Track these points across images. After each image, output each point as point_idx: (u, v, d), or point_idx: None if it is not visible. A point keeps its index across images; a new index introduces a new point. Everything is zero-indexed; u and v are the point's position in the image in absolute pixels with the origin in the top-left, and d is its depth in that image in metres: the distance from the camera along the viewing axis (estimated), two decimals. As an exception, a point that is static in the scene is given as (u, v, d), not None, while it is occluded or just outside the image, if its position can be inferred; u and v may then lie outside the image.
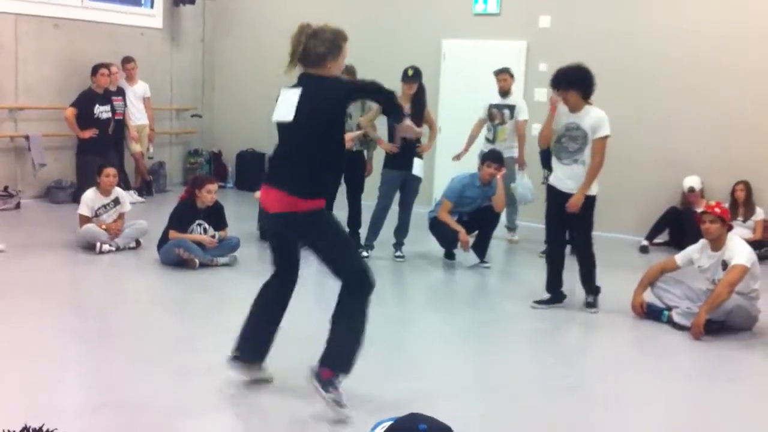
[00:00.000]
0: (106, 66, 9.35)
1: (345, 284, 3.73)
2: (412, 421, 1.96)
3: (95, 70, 9.24)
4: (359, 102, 7.57)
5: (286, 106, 3.70)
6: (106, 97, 8.98)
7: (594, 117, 5.66)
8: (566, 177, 5.76)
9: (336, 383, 3.68)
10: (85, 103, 8.91)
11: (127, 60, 10.07)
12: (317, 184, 3.69)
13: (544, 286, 6.06)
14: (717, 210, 5.54)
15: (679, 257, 5.85)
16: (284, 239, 3.90)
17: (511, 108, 8.29)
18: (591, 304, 5.91)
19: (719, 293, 5.38)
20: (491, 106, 8.36)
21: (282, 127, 3.76)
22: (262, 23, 11.47)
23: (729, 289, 5.37)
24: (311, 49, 3.68)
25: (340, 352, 3.71)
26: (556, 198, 5.85)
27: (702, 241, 5.71)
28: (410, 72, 7.10)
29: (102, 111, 8.15)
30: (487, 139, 8.39)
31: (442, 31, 10.09)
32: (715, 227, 5.53)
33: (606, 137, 5.65)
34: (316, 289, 5.92)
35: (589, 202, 5.74)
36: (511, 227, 8.59)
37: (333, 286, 3.84)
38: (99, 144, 9.02)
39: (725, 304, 5.37)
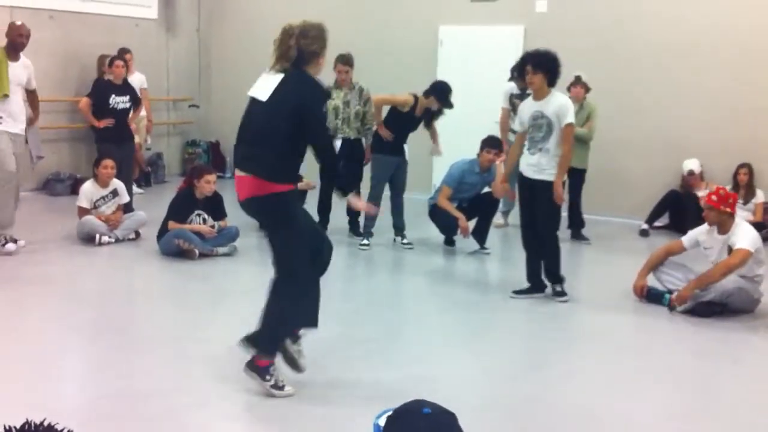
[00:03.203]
0: (120, 57, 8.94)
1: (275, 275, 3.77)
2: (417, 405, 2.00)
3: (111, 61, 8.82)
4: (357, 90, 7.53)
5: (265, 87, 3.76)
6: (123, 88, 8.54)
7: (558, 104, 5.50)
8: (531, 165, 5.64)
9: (271, 370, 3.75)
10: (101, 93, 8.49)
11: (123, 51, 10.00)
12: (284, 167, 3.69)
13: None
14: (714, 198, 5.53)
15: (686, 239, 5.84)
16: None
17: None
18: (560, 293, 5.77)
19: (712, 273, 5.40)
20: (513, 96, 8.02)
21: (254, 107, 3.79)
22: (257, 11, 11.41)
23: (724, 271, 5.37)
24: (305, 49, 3.72)
25: (261, 335, 3.78)
26: (524, 185, 5.76)
27: (709, 223, 5.72)
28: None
29: (119, 101, 8.06)
30: (513, 131, 7.89)
31: (439, 17, 10.04)
32: (712, 215, 5.54)
33: (570, 125, 5.51)
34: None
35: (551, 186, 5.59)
36: None
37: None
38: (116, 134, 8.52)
39: (727, 286, 5.37)
